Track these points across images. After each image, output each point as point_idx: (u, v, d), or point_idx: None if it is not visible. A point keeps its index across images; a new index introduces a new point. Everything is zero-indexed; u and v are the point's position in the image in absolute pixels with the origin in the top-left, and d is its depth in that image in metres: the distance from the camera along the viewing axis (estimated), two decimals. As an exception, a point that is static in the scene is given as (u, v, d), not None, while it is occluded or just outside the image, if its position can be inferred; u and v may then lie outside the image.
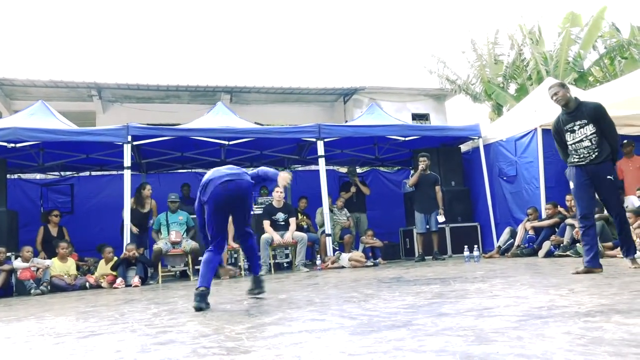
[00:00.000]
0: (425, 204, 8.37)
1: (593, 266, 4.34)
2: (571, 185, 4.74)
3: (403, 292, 3.73)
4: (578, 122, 4.53)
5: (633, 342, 1.68)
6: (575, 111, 4.56)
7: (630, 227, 6.26)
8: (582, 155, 4.54)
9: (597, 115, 4.49)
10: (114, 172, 9.84)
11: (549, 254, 7.04)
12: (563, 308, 2.49)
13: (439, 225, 8.49)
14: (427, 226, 8.36)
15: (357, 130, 8.81)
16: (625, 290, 3.01)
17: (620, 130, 8.56)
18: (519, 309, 2.58)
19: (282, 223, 7.93)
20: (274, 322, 2.69)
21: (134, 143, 7.77)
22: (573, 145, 4.59)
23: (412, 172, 8.57)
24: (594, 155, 4.47)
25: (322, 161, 8.37)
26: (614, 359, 1.49)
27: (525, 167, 8.21)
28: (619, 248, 6.28)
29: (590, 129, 4.48)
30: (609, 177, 4.49)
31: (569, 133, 4.60)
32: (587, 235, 4.48)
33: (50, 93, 12.57)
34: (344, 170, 11.36)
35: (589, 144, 4.49)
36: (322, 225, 8.52)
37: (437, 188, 8.45)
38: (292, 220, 7.94)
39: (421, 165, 8.43)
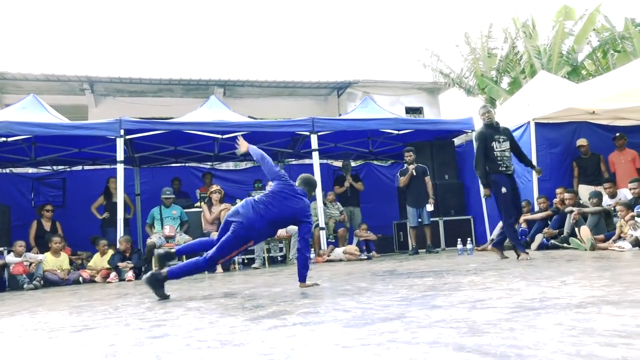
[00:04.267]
0: (416, 198, 8.39)
1: (523, 250, 5.52)
2: (503, 190, 5.57)
3: (396, 285, 3.74)
4: (502, 137, 5.72)
5: (623, 333, 1.69)
6: (498, 128, 5.78)
7: (622, 219, 6.35)
8: (507, 165, 5.66)
9: (510, 134, 5.90)
10: (107, 166, 9.80)
11: (542, 247, 7.09)
12: (555, 300, 2.51)
13: (431, 219, 8.52)
14: (420, 220, 8.39)
15: (350, 124, 8.81)
16: (616, 282, 3.04)
17: (613, 123, 8.68)
18: (511, 300, 2.60)
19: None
20: (268, 316, 2.70)
21: (127, 137, 7.74)
22: (499, 153, 5.66)
23: (405, 165, 8.56)
24: (512, 167, 5.75)
25: (315, 155, 8.37)
26: (605, 349, 1.50)
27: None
28: (611, 240, 6.37)
29: (507, 145, 5.74)
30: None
31: (496, 142, 5.68)
32: (513, 232, 5.81)
33: (42, 87, 12.45)
34: (338, 164, 11.38)
35: (508, 154, 5.74)
36: (317, 218, 8.53)
37: (427, 179, 8.47)
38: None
39: (407, 159, 8.45)
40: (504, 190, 5.58)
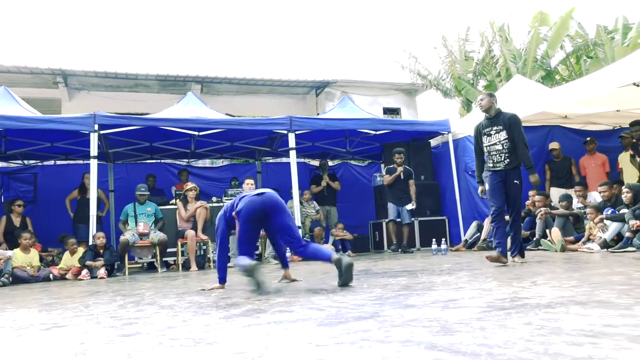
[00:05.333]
0: (397, 197, 8.49)
1: (503, 255, 4.97)
2: (486, 187, 5.21)
3: (371, 284, 3.77)
4: (495, 127, 5.13)
5: (590, 333, 1.74)
6: (494, 118, 5.15)
7: (592, 222, 6.51)
8: (495, 160, 5.12)
9: (510, 122, 5.07)
10: (80, 162, 9.62)
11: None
12: (525, 300, 2.57)
13: (411, 218, 8.62)
14: (399, 219, 8.48)
15: (328, 123, 8.82)
16: (585, 282, 3.11)
17: (584, 127, 8.88)
18: (483, 300, 2.64)
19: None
20: (243, 314, 2.69)
21: (101, 132, 7.61)
22: (487, 148, 5.18)
23: (382, 165, 8.63)
24: (506, 161, 5.07)
25: (293, 153, 8.36)
26: (572, 348, 1.54)
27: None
28: (580, 242, 6.52)
29: (503, 135, 5.07)
30: (515, 181, 5.09)
31: (485, 136, 5.19)
32: (498, 232, 5.09)
33: (14, 79, 12.15)
34: (315, 163, 11.39)
35: (501, 148, 5.08)
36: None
37: (411, 182, 8.56)
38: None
39: (397, 161, 8.51)
40: (486, 186, 5.22)
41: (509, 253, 5.13)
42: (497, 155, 5.12)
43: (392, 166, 8.66)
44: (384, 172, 8.93)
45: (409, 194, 8.52)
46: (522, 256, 5.12)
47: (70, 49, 36.40)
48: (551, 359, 1.44)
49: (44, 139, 8.38)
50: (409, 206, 8.46)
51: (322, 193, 9.64)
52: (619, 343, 1.57)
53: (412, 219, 8.65)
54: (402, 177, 8.48)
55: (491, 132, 5.16)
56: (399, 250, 8.39)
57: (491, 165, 5.18)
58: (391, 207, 8.55)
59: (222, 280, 4.25)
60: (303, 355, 1.69)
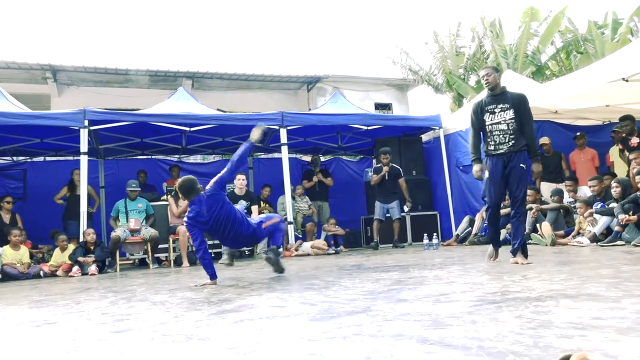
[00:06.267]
0: (385, 195, 8.50)
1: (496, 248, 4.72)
2: (486, 174, 4.69)
3: (363, 279, 3.78)
4: (500, 105, 4.54)
5: (579, 325, 1.76)
6: (500, 95, 4.58)
7: (581, 216, 6.56)
8: (497, 142, 4.52)
9: (519, 102, 4.53)
10: (70, 158, 9.54)
11: (505, 242, 7.26)
12: (515, 293, 2.59)
13: (402, 214, 8.64)
14: (388, 214, 8.50)
15: (320, 119, 8.81)
16: (575, 276, 3.14)
17: (574, 122, 8.94)
18: (474, 294, 2.66)
19: (245, 211, 7.87)
20: (235, 310, 2.69)
21: (91, 128, 7.55)
22: (490, 127, 4.57)
23: (374, 161, 8.63)
24: (510, 143, 4.47)
25: (284, 149, 8.35)
26: (561, 340, 1.56)
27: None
28: (570, 236, 6.57)
29: (510, 114, 4.49)
30: (521, 165, 4.47)
31: (488, 114, 4.58)
32: (492, 226, 4.74)
33: (2, 74, 12.00)
34: (307, 158, 11.37)
35: (506, 127, 4.50)
36: (284, 213, 8.52)
37: (401, 181, 8.55)
38: (255, 209, 7.89)
39: (383, 161, 8.51)
40: (486, 174, 4.68)
41: (504, 250, 4.75)
42: (501, 136, 4.52)
43: (378, 165, 8.67)
44: (369, 171, 8.91)
45: (397, 192, 8.54)
46: (526, 256, 4.43)
47: (59, 44, 36.07)
48: (541, 351, 1.45)
49: (33, 135, 8.31)
50: (405, 207, 8.50)
51: (314, 188, 9.64)
52: (608, 335, 1.59)
53: (403, 214, 8.66)
54: (386, 177, 8.47)
55: (495, 110, 4.56)
56: (377, 248, 8.37)
57: (492, 147, 4.58)
58: (378, 206, 8.57)
59: (213, 276, 4.25)
60: (295, 350, 1.69)
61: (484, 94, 4.99)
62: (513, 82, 8.71)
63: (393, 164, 8.62)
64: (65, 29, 37.69)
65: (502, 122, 4.51)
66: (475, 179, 4.85)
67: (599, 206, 6.37)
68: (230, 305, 2.85)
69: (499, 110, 4.54)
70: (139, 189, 7.86)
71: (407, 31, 39.23)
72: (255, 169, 10.87)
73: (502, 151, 4.51)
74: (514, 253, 4.44)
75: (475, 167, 4.71)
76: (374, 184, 8.59)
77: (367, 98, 15.58)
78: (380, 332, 1.88)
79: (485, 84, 4.62)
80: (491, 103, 4.59)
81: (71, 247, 6.93)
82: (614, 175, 6.98)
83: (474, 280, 3.32)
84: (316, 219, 9.42)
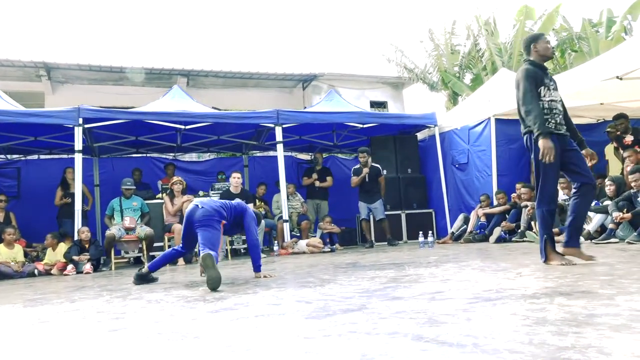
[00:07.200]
0: (367, 194, 8.55)
1: (576, 245, 3.90)
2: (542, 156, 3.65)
3: (358, 277, 3.78)
4: (552, 83, 3.94)
5: (573, 322, 1.76)
6: (547, 70, 4.04)
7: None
8: (557, 121, 3.83)
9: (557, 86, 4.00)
10: (64, 156, 9.50)
11: (500, 240, 7.29)
12: (510, 291, 2.59)
13: (394, 212, 8.66)
14: (372, 215, 8.54)
15: (315, 117, 8.81)
16: (569, 273, 3.15)
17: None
18: (469, 292, 2.67)
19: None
20: (230, 308, 2.68)
21: (86, 126, 7.52)
22: (549, 103, 3.84)
23: (359, 165, 8.64)
24: (564, 126, 3.89)
25: (280, 147, 8.34)
26: (556, 337, 1.56)
27: (478, 155, 8.42)
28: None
29: (559, 95, 3.96)
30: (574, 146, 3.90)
31: (545, 88, 3.87)
32: (545, 222, 3.86)
33: (-5, 72, 11.96)
34: (302, 156, 11.38)
35: (561, 108, 3.92)
36: (279, 211, 8.53)
37: (381, 179, 8.61)
38: (250, 207, 7.88)
39: (361, 160, 8.52)
40: (549, 156, 3.63)
41: (559, 245, 3.92)
42: (560, 116, 3.87)
43: (358, 167, 8.67)
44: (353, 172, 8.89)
45: (380, 192, 8.58)
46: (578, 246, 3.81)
47: (53, 42, 35.87)
48: (536, 348, 1.46)
49: (27, 133, 8.26)
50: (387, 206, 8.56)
51: (313, 187, 9.66)
52: (602, 332, 1.60)
53: (386, 213, 8.65)
54: (367, 179, 8.47)
55: (550, 86, 3.89)
56: (372, 246, 8.38)
57: (553, 126, 3.80)
58: (362, 206, 8.61)
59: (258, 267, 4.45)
60: (290, 348, 1.69)
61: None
62: (508, 80, 8.74)
63: (373, 163, 8.63)
64: (60, 26, 37.49)
65: (558, 100, 3.91)
66: (542, 162, 3.69)
67: (593, 204, 6.40)
68: (225, 304, 2.85)
69: (552, 88, 3.92)
70: (134, 187, 7.85)
71: (402, 29, 39.24)
72: (250, 167, 10.86)
73: (562, 132, 3.84)
74: (568, 245, 3.84)
75: (549, 143, 3.64)
76: (354, 186, 8.61)
77: (362, 96, 15.58)
78: (375, 329, 1.88)
79: (543, 52, 4.01)
80: (545, 77, 3.93)
81: (64, 245, 6.91)
82: (604, 177, 7.00)
83: (469, 277, 3.33)
84: (313, 216, 9.44)
